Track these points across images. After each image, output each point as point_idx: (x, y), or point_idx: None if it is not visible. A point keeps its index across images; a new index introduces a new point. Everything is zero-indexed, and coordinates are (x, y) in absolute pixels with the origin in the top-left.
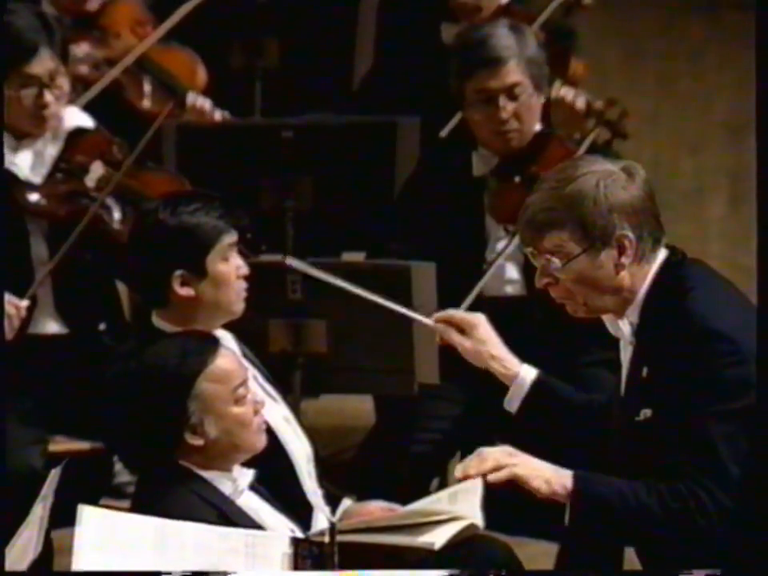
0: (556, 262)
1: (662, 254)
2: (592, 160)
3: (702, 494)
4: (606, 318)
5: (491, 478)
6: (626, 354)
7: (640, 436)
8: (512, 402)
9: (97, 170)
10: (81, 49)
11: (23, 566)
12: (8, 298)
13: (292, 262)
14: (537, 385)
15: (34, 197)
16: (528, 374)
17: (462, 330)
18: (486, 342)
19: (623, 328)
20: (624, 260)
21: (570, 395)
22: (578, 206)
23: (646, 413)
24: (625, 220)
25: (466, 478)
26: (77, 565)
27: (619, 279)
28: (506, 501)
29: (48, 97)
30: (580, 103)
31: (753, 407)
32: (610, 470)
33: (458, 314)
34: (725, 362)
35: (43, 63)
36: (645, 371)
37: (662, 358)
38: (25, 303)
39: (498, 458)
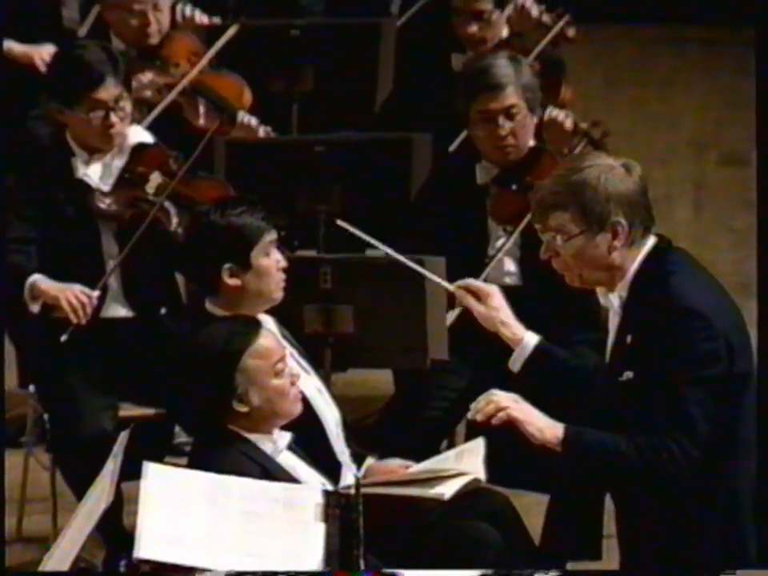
0: (558, 238)
1: (650, 241)
2: (597, 155)
3: (674, 447)
4: (599, 291)
5: (495, 420)
6: (613, 323)
7: (622, 394)
8: (515, 363)
9: (155, 179)
10: (145, 76)
11: (98, 513)
12: (81, 288)
13: (342, 223)
14: (538, 348)
15: (103, 202)
16: (531, 339)
17: (478, 297)
18: (498, 310)
19: (613, 300)
20: (616, 243)
21: (565, 359)
22: (581, 193)
23: (628, 374)
24: (620, 209)
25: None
26: (142, 512)
27: (611, 259)
28: (505, 458)
29: (113, 118)
30: (569, 123)
31: (721, 375)
32: (594, 424)
33: (476, 282)
34: (699, 337)
35: (109, 90)
36: (629, 338)
37: (645, 329)
38: (95, 294)
39: (502, 401)
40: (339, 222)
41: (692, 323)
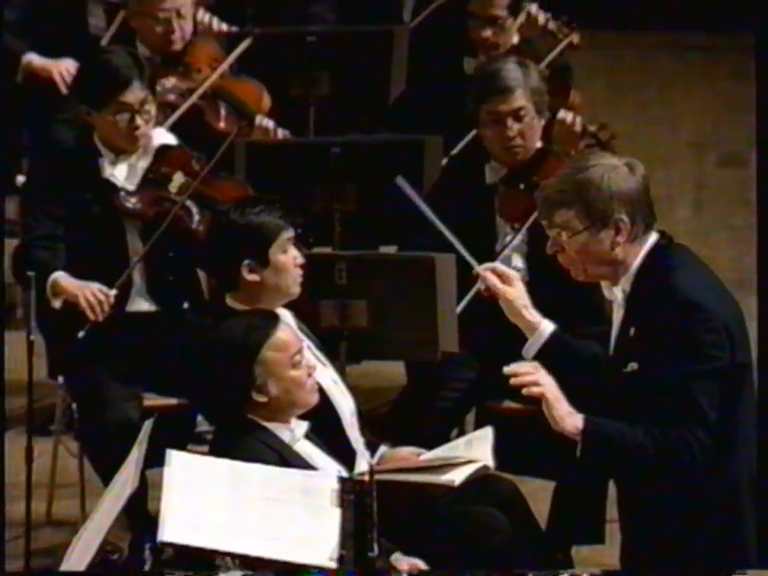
0: (563, 234)
1: (653, 237)
2: (602, 155)
3: (688, 436)
4: (604, 284)
5: (526, 390)
6: (617, 316)
7: (627, 385)
8: (530, 349)
9: (178, 179)
10: (169, 81)
11: (123, 498)
12: (98, 287)
13: (402, 183)
14: (554, 336)
15: (128, 202)
16: (548, 326)
17: (502, 280)
18: (520, 294)
19: (616, 293)
20: (619, 239)
21: (578, 348)
22: (585, 191)
23: (633, 366)
24: (622, 206)
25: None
26: (166, 498)
27: (614, 254)
28: (512, 446)
29: (139, 121)
30: (578, 126)
31: (724, 365)
32: (600, 414)
33: (501, 266)
34: (702, 329)
35: (135, 93)
36: (632, 331)
37: (648, 321)
38: (113, 292)
39: (543, 377)
40: (399, 182)
41: (694, 316)
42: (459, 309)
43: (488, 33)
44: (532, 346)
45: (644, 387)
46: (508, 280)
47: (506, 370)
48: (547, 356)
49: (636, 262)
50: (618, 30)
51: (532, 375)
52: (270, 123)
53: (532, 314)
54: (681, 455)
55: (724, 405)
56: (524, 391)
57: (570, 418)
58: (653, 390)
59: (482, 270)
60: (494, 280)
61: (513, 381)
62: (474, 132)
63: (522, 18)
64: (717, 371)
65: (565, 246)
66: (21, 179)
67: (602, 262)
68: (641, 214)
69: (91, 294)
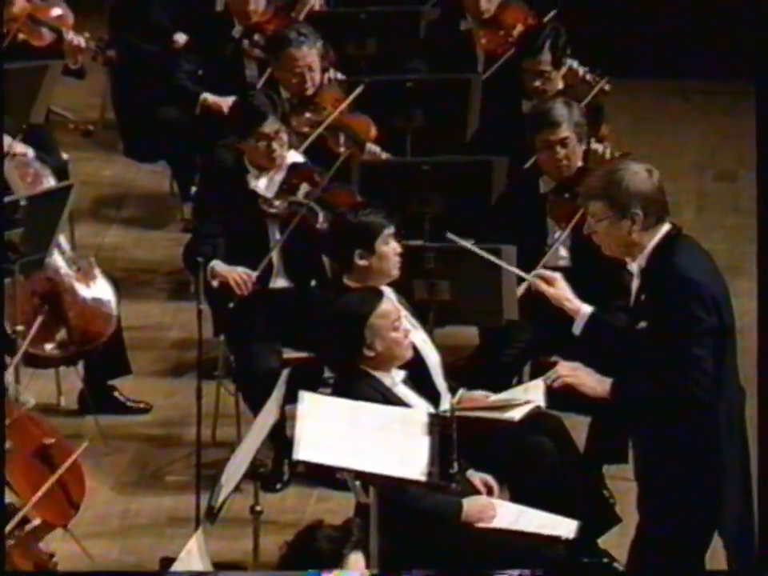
0: (593, 220)
1: (666, 227)
2: (629, 162)
3: (691, 382)
4: (628, 259)
5: (554, 384)
6: (634, 285)
7: (638, 339)
8: (576, 328)
9: (304, 188)
10: (302, 117)
11: (268, 427)
12: (244, 270)
13: (452, 236)
14: (592, 316)
15: (269, 206)
16: (587, 309)
17: (547, 282)
18: (562, 291)
19: (634, 268)
20: (634, 228)
21: (612, 323)
22: (610, 189)
23: (642, 324)
24: (638, 203)
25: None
26: (299, 427)
27: (630, 238)
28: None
29: (275, 146)
30: (608, 154)
31: (712, 325)
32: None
33: (545, 272)
34: (691, 297)
35: (270, 125)
36: (643, 297)
37: (654, 290)
38: (255, 274)
39: (559, 370)
40: (449, 235)
41: (688, 287)
42: (519, 293)
43: (538, 83)
44: (577, 326)
45: (651, 340)
46: (552, 281)
47: (547, 380)
48: (590, 331)
49: (651, 245)
50: (637, 78)
51: (554, 374)
52: (376, 148)
53: (573, 303)
54: (689, 393)
55: (716, 355)
56: (554, 386)
57: (600, 386)
58: (658, 342)
59: (531, 276)
60: (540, 284)
61: (548, 383)
62: (534, 158)
63: (564, 70)
64: (706, 329)
65: (596, 229)
66: (193, 190)
67: (621, 243)
68: (653, 209)
69: (238, 275)
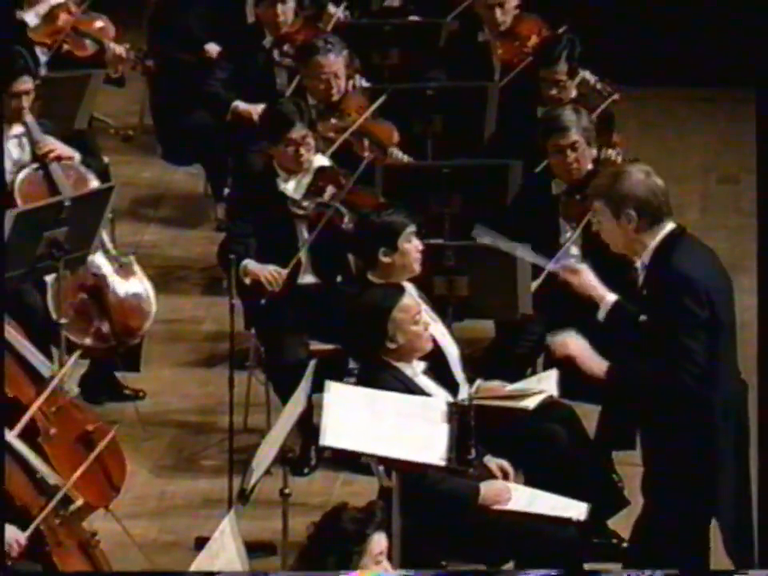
0: (596, 219)
1: (670, 226)
2: (631, 164)
3: (683, 372)
4: (634, 257)
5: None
6: (639, 280)
7: (640, 331)
8: (601, 314)
9: (330, 190)
10: (328, 122)
11: (296, 415)
12: (274, 268)
13: (479, 228)
14: (616, 303)
15: (297, 207)
16: (612, 297)
17: (573, 272)
18: (590, 279)
19: (639, 264)
20: (629, 227)
21: (633, 311)
22: (611, 189)
23: (643, 317)
24: (632, 204)
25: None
26: (325, 415)
27: (631, 237)
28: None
29: (302, 150)
30: (618, 160)
31: (705, 320)
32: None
33: (572, 263)
34: (685, 293)
35: (298, 131)
36: (644, 291)
37: (654, 285)
38: (285, 271)
39: (557, 340)
40: (476, 231)
41: (681, 283)
42: (534, 287)
43: (554, 91)
44: (602, 312)
45: (650, 332)
46: (577, 272)
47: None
48: (613, 317)
49: (653, 243)
50: (645, 86)
51: (554, 343)
52: (399, 152)
53: (599, 290)
54: (681, 381)
55: (711, 348)
56: (555, 355)
57: (597, 367)
58: (655, 334)
59: (558, 268)
60: (567, 274)
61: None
62: (546, 161)
63: (578, 79)
64: (700, 323)
65: (599, 227)
66: (226, 191)
67: (623, 241)
68: (647, 209)
69: (269, 273)
